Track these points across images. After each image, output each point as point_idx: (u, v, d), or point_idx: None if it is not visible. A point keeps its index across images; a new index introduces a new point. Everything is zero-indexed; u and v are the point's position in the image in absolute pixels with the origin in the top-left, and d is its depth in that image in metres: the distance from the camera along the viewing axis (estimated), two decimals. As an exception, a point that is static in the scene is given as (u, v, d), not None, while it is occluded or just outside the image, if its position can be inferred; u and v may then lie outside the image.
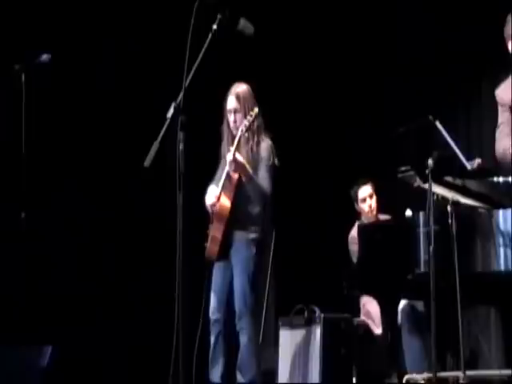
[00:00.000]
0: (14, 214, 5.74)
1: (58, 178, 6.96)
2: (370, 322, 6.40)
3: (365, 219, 6.55)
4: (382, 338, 6.20)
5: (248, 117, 5.42)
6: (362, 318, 6.49)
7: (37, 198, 6.11)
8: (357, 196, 6.61)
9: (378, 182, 6.60)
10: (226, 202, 5.45)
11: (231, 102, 5.54)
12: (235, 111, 5.52)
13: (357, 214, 6.65)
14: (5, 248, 6.28)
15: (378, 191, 6.61)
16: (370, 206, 6.54)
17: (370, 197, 6.57)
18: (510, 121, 5.02)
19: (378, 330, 6.30)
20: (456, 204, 4.86)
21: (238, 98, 5.51)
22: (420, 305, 5.92)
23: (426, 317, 5.76)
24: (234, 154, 5.34)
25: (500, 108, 5.09)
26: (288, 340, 5.94)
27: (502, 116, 5.07)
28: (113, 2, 7.07)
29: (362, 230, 5.71)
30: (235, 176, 5.45)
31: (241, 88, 5.56)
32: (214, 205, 5.47)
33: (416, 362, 5.69)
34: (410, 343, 5.79)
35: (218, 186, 5.52)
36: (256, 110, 5.42)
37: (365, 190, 6.59)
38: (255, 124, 5.47)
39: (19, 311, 5.67)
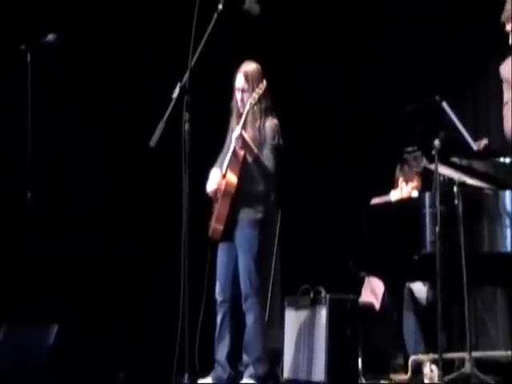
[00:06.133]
0: (20, 193, 5.76)
1: (63, 156, 6.97)
2: (373, 298, 6.40)
3: (394, 195, 6.43)
4: (381, 316, 6.20)
5: (257, 90, 5.39)
6: (365, 296, 6.48)
7: (43, 178, 6.12)
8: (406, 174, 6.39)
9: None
10: (232, 179, 5.43)
11: (239, 81, 5.51)
12: (243, 90, 5.49)
13: (395, 182, 6.48)
14: (11, 227, 6.29)
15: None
16: (409, 193, 6.34)
17: (417, 188, 6.37)
18: None
19: (377, 305, 6.31)
20: (462, 185, 4.84)
21: (246, 76, 5.48)
22: (418, 287, 5.92)
23: (431, 298, 5.78)
24: (240, 130, 5.32)
25: (504, 84, 5.10)
26: (294, 320, 5.94)
27: (508, 93, 5.09)
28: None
29: (368, 210, 5.70)
30: (241, 153, 5.43)
31: (250, 67, 5.52)
32: (215, 191, 5.46)
33: (413, 344, 5.70)
34: (407, 325, 5.80)
35: (221, 168, 5.51)
36: (265, 83, 5.39)
37: (417, 181, 6.36)
38: (263, 103, 5.44)
39: (26, 290, 5.68)
